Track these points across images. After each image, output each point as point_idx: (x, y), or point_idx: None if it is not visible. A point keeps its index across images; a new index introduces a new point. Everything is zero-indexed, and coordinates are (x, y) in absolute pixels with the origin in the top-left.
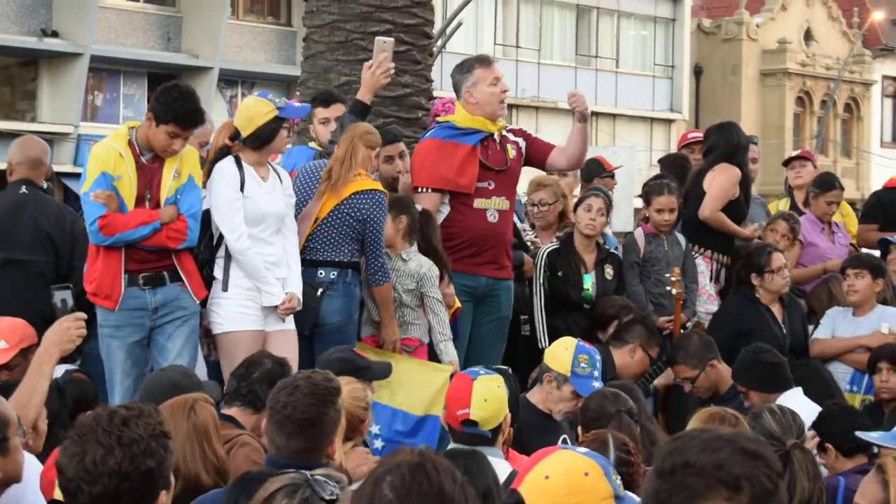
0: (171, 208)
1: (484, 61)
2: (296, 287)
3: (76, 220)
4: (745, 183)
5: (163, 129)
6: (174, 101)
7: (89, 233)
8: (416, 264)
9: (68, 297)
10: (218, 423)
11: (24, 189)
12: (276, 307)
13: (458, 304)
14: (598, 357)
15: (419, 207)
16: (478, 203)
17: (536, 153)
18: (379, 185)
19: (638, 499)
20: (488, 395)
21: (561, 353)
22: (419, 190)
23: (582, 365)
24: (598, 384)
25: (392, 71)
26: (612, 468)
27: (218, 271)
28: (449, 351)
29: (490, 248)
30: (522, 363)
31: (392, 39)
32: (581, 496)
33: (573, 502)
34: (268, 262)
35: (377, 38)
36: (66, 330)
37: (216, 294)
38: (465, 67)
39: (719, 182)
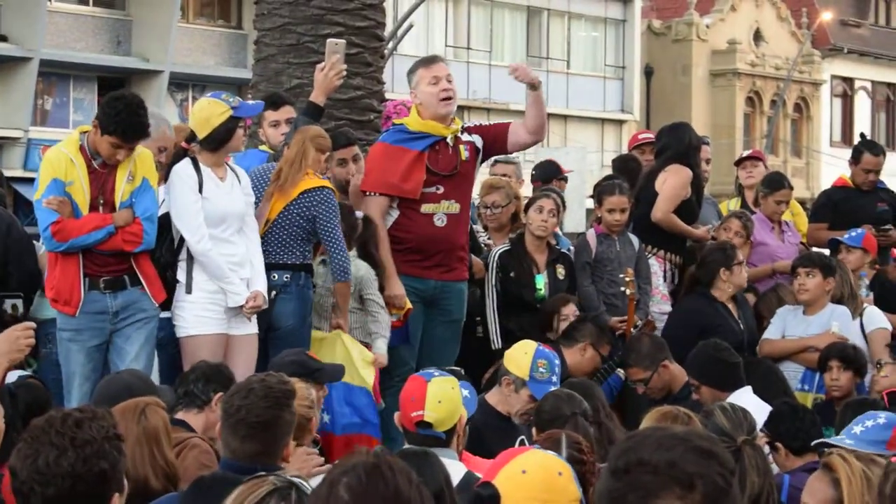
0: (125, 212)
1: (426, 61)
2: (261, 285)
3: (12, 224)
4: (698, 183)
5: (106, 139)
6: (118, 114)
7: (43, 239)
8: (354, 268)
9: (19, 305)
10: (169, 428)
11: None
12: (241, 307)
13: (408, 304)
14: (557, 362)
15: (359, 214)
16: (425, 208)
17: (495, 140)
18: (327, 183)
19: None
20: (442, 397)
21: (520, 356)
22: (367, 193)
23: (541, 370)
24: (555, 387)
25: (344, 72)
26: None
27: (181, 274)
28: (378, 345)
29: (437, 252)
30: (476, 364)
31: (343, 41)
32: (554, 494)
33: (546, 499)
34: (231, 263)
35: (329, 39)
36: (16, 339)
37: (179, 297)
38: (412, 69)
39: (671, 183)
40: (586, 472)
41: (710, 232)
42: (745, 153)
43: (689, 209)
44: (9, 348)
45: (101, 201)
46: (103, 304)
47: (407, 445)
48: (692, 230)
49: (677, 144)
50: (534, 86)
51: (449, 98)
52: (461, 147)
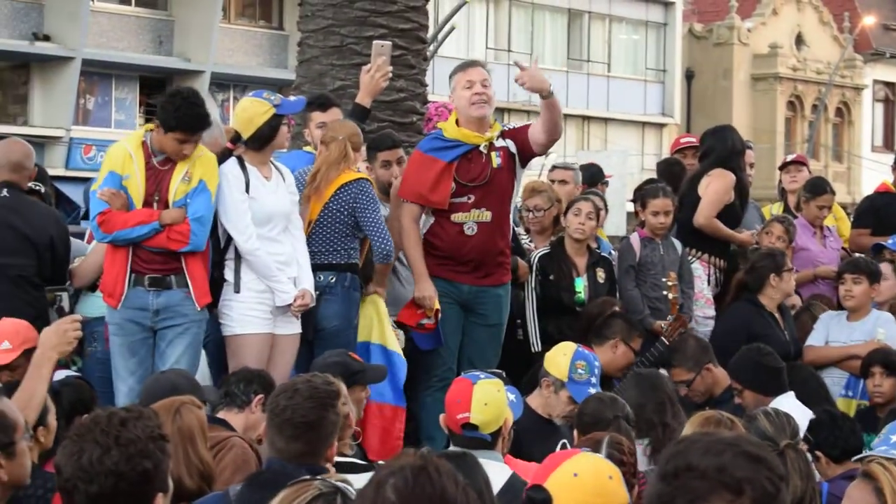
0: (175, 211)
1: (464, 66)
2: (308, 283)
3: (59, 223)
4: (741, 188)
5: (171, 137)
6: (177, 109)
7: (92, 229)
8: None
9: (65, 298)
10: (205, 427)
11: (4, 192)
12: (288, 306)
13: (436, 305)
14: (597, 363)
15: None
16: (455, 217)
17: (523, 144)
18: (364, 174)
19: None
20: (488, 399)
21: (559, 358)
22: (403, 200)
23: (579, 371)
24: (594, 391)
25: (390, 74)
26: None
27: (228, 273)
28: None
29: (469, 259)
30: (516, 367)
31: (389, 43)
32: (605, 498)
33: (597, 502)
34: (278, 262)
35: (375, 41)
36: (64, 332)
37: (227, 296)
38: (451, 73)
39: (714, 188)
40: (626, 474)
41: (754, 237)
42: (790, 157)
43: (732, 213)
44: (58, 341)
45: (157, 198)
46: (144, 301)
47: (452, 447)
48: (735, 234)
49: (721, 148)
50: (542, 93)
51: (480, 102)
52: (493, 154)
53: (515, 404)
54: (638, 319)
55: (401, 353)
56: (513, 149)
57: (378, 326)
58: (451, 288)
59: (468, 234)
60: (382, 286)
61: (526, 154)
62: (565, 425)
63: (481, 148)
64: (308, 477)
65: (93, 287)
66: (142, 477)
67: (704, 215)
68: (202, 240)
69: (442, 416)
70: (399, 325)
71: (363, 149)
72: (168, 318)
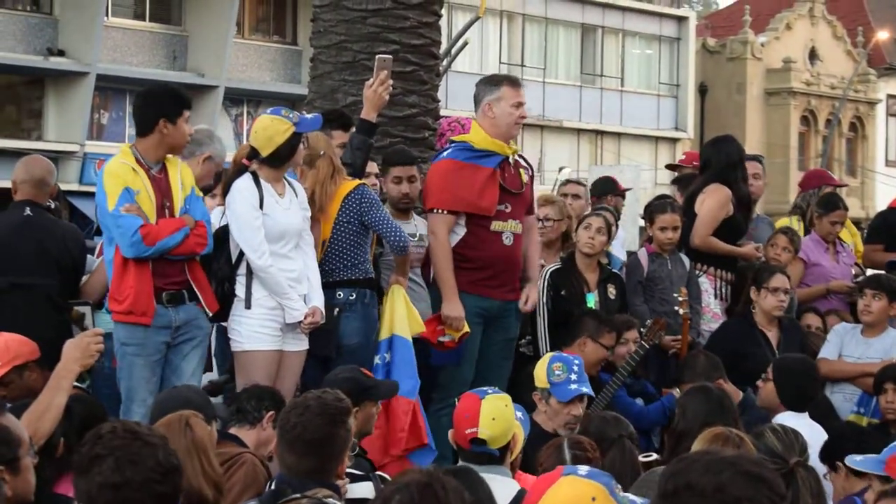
0: (188, 216)
1: (514, 81)
2: (318, 301)
3: (82, 240)
4: (742, 199)
5: (182, 122)
6: (171, 93)
7: (129, 245)
8: None
9: (88, 313)
10: (213, 439)
11: (28, 210)
12: (299, 323)
13: (466, 328)
14: (576, 363)
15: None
16: (495, 226)
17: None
18: (360, 181)
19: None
20: (496, 414)
21: (538, 370)
22: (434, 211)
23: (556, 373)
24: (576, 386)
25: (390, 87)
26: (615, 483)
27: (240, 289)
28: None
29: (504, 271)
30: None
31: (391, 56)
32: None
33: None
34: (289, 279)
35: (378, 55)
36: (87, 346)
37: (238, 312)
38: (494, 81)
39: (708, 206)
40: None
41: (760, 252)
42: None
43: (733, 226)
44: (80, 354)
45: (167, 205)
46: (167, 319)
47: (460, 463)
48: (736, 249)
49: (717, 160)
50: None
51: (521, 124)
52: (521, 170)
53: (524, 421)
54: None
55: (408, 337)
56: (531, 173)
57: (389, 317)
58: (484, 304)
59: (506, 244)
60: (404, 275)
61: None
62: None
63: (510, 160)
64: (297, 496)
65: (99, 303)
66: (182, 473)
67: (700, 235)
68: (212, 242)
69: (451, 432)
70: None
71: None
72: (185, 333)
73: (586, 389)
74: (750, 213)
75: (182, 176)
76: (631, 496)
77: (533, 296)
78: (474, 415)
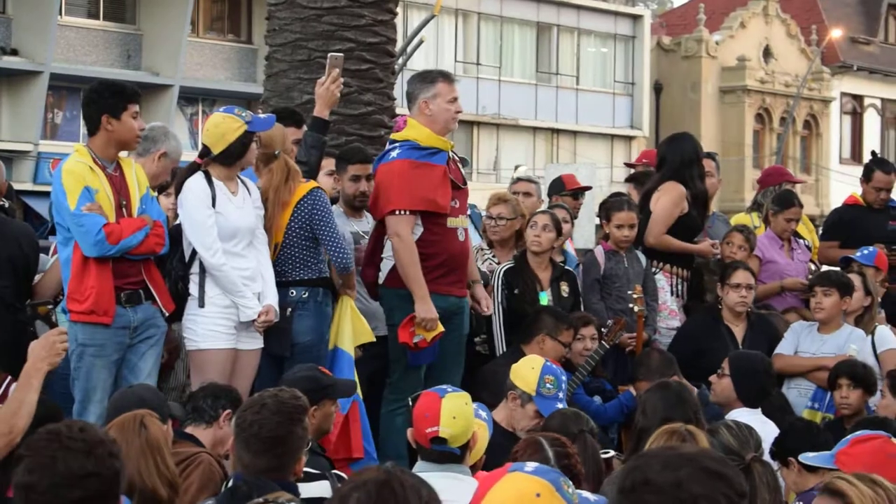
0: (147, 216)
1: (447, 77)
2: (272, 299)
3: (35, 239)
4: (697, 196)
5: (127, 117)
6: (116, 87)
7: (93, 244)
8: None
9: (51, 312)
10: (168, 438)
11: None
12: (252, 322)
13: (441, 328)
14: (564, 378)
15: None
16: (451, 222)
17: None
18: (314, 184)
19: (593, 497)
20: (457, 413)
21: (527, 371)
22: (396, 213)
23: (548, 386)
24: (561, 405)
25: (342, 84)
26: (563, 478)
27: (193, 287)
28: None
29: (459, 266)
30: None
31: (342, 54)
32: None
33: None
34: (243, 277)
35: (330, 53)
36: (53, 344)
37: (192, 311)
38: (429, 79)
39: (662, 204)
40: (575, 464)
41: (716, 248)
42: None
43: (689, 223)
44: (46, 353)
45: (124, 204)
46: (126, 319)
47: (421, 462)
48: (690, 246)
49: (671, 158)
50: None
51: (458, 118)
52: (457, 164)
53: (488, 422)
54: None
55: (350, 351)
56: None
57: (335, 329)
58: (442, 303)
59: (461, 240)
60: (351, 288)
61: None
62: None
63: (452, 154)
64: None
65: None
66: (115, 476)
67: (654, 234)
68: (168, 242)
69: (409, 431)
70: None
71: (329, 161)
72: (142, 333)
73: (563, 406)
74: (706, 210)
75: (137, 176)
76: (584, 493)
77: (488, 298)
78: (434, 413)
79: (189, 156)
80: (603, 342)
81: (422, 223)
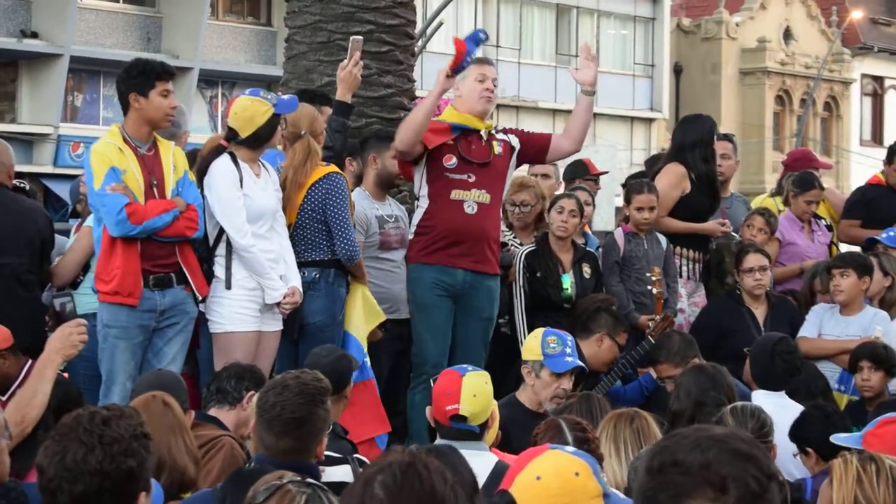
0: (179, 198)
1: (479, 59)
2: (296, 281)
3: (46, 218)
4: (701, 177)
5: (155, 95)
6: (144, 66)
7: (115, 224)
8: None
9: (69, 303)
10: (189, 420)
11: None
12: (277, 304)
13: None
14: (569, 338)
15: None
16: (455, 194)
17: (534, 148)
18: (332, 168)
19: (622, 496)
20: (477, 391)
21: (531, 342)
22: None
23: (551, 346)
24: (572, 360)
25: (362, 67)
26: (600, 467)
27: (219, 270)
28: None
29: (467, 240)
30: (502, 364)
31: (362, 38)
32: (572, 496)
33: (566, 502)
34: (268, 259)
35: (353, 37)
36: (69, 335)
37: (218, 292)
38: None
39: (660, 187)
40: (595, 449)
41: (727, 227)
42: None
43: (691, 204)
44: (62, 345)
45: (154, 184)
46: (153, 302)
47: (438, 440)
48: (694, 225)
49: (679, 140)
50: (591, 89)
51: (488, 96)
52: (494, 143)
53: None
54: (623, 314)
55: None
56: (514, 143)
57: (347, 315)
58: (446, 277)
59: (468, 213)
60: (362, 277)
61: (530, 158)
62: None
63: (482, 133)
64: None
65: (73, 283)
66: (126, 476)
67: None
68: (203, 226)
69: (428, 409)
70: None
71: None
72: (170, 317)
73: (581, 363)
74: (715, 191)
75: (175, 159)
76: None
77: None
78: (455, 391)
79: (200, 138)
80: (649, 337)
81: (427, 195)
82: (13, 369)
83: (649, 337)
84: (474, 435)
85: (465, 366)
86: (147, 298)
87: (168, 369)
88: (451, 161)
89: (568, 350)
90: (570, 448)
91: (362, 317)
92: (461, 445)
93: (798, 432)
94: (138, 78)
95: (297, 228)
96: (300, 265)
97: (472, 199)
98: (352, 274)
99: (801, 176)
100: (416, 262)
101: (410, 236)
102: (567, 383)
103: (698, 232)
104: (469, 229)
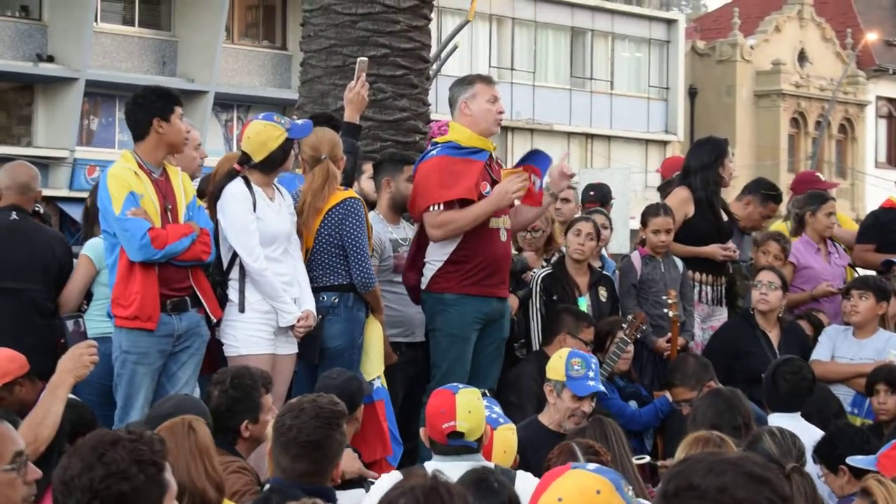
0: (194, 223)
1: (486, 78)
2: (309, 304)
3: (66, 246)
4: (699, 201)
5: (175, 119)
6: (159, 92)
7: (138, 249)
8: None
9: (81, 324)
10: (213, 442)
11: (14, 215)
12: (291, 327)
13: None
14: (594, 362)
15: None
16: (493, 222)
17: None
18: (351, 193)
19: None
20: (471, 407)
21: (555, 362)
22: (431, 209)
23: (575, 368)
24: (594, 383)
25: (369, 86)
26: (624, 480)
27: (233, 293)
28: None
29: (501, 268)
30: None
31: (367, 59)
32: None
33: None
34: (282, 282)
35: (359, 59)
36: (80, 357)
37: (232, 316)
38: (467, 81)
39: None
40: None
41: (735, 252)
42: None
43: (697, 228)
44: (73, 365)
45: (169, 208)
46: (171, 327)
47: (436, 458)
48: (694, 249)
49: (686, 165)
50: (553, 196)
51: (501, 119)
52: (500, 165)
53: (500, 414)
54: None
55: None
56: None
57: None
58: (485, 307)
59: (502, 240)
60: (378, 310)
61: None
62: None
63: (494, 156)
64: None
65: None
66: (116, 499)
67: None
68: (215, 250)
69: (422, 430)
70: None
71: (369, 165)
72: (185, 341)
73: (602, 388)
74: (717, 215)
75: (184, 184)
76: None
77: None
78: (450, 409)
79: (216, 162)
80: (624, 336)
81: None
82: (30, 395)
83: (624, 337)
84: (472, 450)
85: (454, 384)
86: (165, 323)
87: (185, 394)
88: (486, 189)
89: (591, 374)
90: (593, 465)
91: (377, 359)
92: (460, 460)
93: (832, 450)
94: (159, 102)
95: (314, 253)
96: (319, 290)
97: (503, 227)
98: (370, 306)
99: (811, 194)
100: (457, 294)
101: (435, 264)
102: (587, 406)
103: (699, 255)
104: (504, 257)
